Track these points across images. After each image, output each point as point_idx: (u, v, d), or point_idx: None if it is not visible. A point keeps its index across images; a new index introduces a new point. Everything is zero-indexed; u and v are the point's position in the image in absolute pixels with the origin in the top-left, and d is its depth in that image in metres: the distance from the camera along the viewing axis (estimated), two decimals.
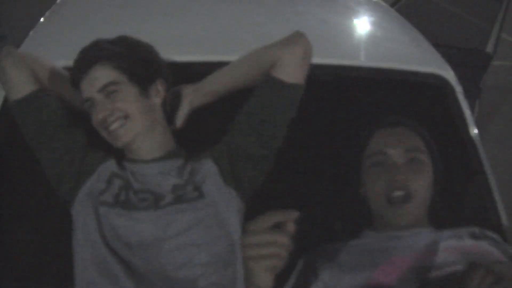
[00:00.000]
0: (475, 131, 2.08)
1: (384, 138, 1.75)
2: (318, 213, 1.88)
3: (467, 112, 2.08)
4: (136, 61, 1.71)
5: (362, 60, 2.16)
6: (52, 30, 2.34)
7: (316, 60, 1.99)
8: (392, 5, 4.00)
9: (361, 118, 1.92)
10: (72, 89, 1.75)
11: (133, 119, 1.67)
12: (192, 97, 1.83)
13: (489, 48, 3.97)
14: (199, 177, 1.69)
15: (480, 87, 3.94)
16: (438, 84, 2.09)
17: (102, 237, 1.61)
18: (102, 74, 1.67)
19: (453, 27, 4.13)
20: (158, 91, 1.75)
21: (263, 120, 1.72)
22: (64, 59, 1.83)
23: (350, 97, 2.10)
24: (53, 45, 2.14)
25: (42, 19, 2.45)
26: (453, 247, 1.63)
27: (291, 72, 1.70)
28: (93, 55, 1.69)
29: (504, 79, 6.21)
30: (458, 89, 2.11)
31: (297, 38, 1.73)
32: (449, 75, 2.12)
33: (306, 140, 2.01)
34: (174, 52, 1.93)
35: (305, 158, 2.00)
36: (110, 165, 1.73)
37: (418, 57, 2.25)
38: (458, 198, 2.01)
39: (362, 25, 2.56)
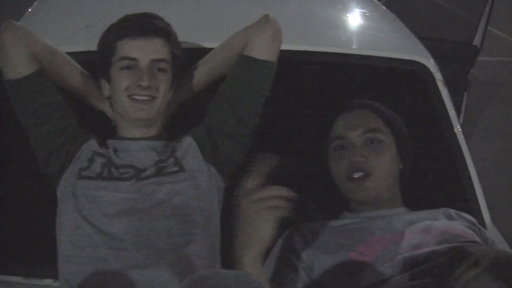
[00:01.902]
0: (455, 116, 2.11)
1: (343, 122, 1.81)
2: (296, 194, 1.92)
3: (446, 98, 2.12)
4: (181, 49, 1.81)
5: (344, 47, 2.20)
6: (41, 18, 2.37)
7: (301, 47, 2.09)
8: None
9: (341, 102, 1.96)
10: (70, 70, 1.82)
11: (157, 102, 1.74)
12: (174, 95, 1.86)
13: (476, 41, 3.99)
14: (180, 153, 1.76)
15: (468, 80, 3.97)
16: (418, 71, 2.13)
17: (82, 210, 1.66)
18: (161, 49, 1.74)
19: (441, 21, 4.16)
20: (173, 87, 1.81)
21: (238, 97, 1.80)
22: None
23: (331, 82, 2.14)
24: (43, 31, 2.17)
25: (30, 9, 2.48)
26: (428, 228, 1.66)
27: (262, 50, 1.79)
28: (157, 26, 1.75)
29: (494, 74, 6.25)
30: (438, 77, 2.14)
31: (265, 20, 1.81)
32: (429, 62, 2.16)
33: (287, 123, 2.06)
34: None
35: (286, 140, 2.04)
36: (92, 145, 1.78)
37: (399, 44, 2.29)
38: (436, 182, 2.04)
39: (345, 14, 2.60)
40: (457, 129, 2.08)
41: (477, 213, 1.95)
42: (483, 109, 5.45)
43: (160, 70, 1.74)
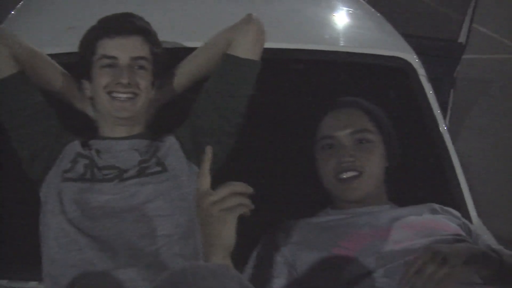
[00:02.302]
0: (439, 112, 2.11)
1: (332, 121, 1.80)
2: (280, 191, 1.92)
3: (430, 94, 2.12)
4: (161, 47, 1.82)
5: (326, 44, 2.20)
6: (25, 20, 2.36)
7: (284, 45, 2.10)
8: None
9: (323, 100, 1.96)
10: (51, 71, 1.82)
11: (140, 99, 1.74)
12: (158, 96, 1.87)
13: (462, 38, 4.00)
14: (162, 153, 1.76)
15: (455, 77, 3.97)
16: (400, 67, 2.13)
17: (65, 212, 1.65)
18: (141, 46, 1.75)
19: (425, 18, 4.17)
20: (155, 85, 1.82)
21: (222, 95, 1.80)
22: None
23: (314, 79, 2.15)
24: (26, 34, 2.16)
25: (13, 11, 2.47)
26: (412, 223, 1.67)
27: (245, 49, 1.80)
28: (136, 24, 1.77)
29: (481, 72, 6.27)
30: (421, 72, 2.15)
31: (248, 19, 1.82)
32: (412, 58, 2.16)
33: (271, 121, 2.07)
34: None
35: (270, 139, 2.05)
36: (75, 146, 1.77)
37: (381, 41, 2.30)
38: (422, 178, 2.05)
39: (328, 12, 2.60)
40: (442, 124, 2.09)
41: (462, 208, 1.96)
42: (471, 107, 5.47)
43: (140, 67, 1.75)
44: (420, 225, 1.66)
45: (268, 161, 2.01)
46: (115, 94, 1.73)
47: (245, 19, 1.82)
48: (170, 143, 1.79)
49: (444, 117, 3.88)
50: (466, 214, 1.94)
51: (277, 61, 2.04)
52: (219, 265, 1.22)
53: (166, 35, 1.93)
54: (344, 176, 1.72)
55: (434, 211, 1.76)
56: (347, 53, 2.14)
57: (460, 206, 1.95)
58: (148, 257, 1.61)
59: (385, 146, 1.82)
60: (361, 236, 1.63)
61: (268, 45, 1.87)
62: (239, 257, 1.64)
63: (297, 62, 2.17)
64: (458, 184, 2.00)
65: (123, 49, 1.74)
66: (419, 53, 3.12)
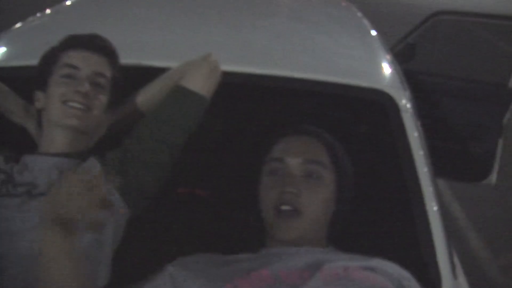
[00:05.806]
0: (420, 153, 1.80)
1: (285, 146, 1.62)
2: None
3: (411, 132, 1.83)
4: (121, 75, 1.80)
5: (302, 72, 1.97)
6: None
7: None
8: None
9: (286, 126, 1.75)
10: None
11: (92, 114, 1.71)
12: (108, 120, 1.81)
13: None
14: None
15: (502, 125, 3.61)
16: (378, 100, 1.87)
17: None
18: (104, 65, 1.75)
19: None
20: (108, 108, 1.77)
21: (162, 124, 1.73)
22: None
23: (287, 108, 2.03)
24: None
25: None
26: (333, 270, 1.41)
27: (195, 82, 1.76)
28: (103, 44, 1.78)
29: None
30: (404, 108, 1.87)
31: (206, 56, 1.81)
32: (395, 91, 1.89)
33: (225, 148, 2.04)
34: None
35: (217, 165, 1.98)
36: None
37: (363, 71, 2.04)
38: (388, 228, 1.76)
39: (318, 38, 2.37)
40: (421, 168, 1.78)
41: (431, 269, 1.64)
42: None
43: (99, 84, 1.73)
44: (340, 274, 1.39)
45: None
46: (70, 103, 1.69)
47: (203, 55, 1.81)
48: (90, 164, 1.68)
49: (491, 169, 3.54)
50: (436, 276, 1.63)
51: (248, 86, 1.95)
52: None
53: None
54: (283, 208, 1.52)
55: (374, 268, 1.46)
56: (318, 82, 1.90)
57: (428, 266, 1.64)
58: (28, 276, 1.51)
59: (337, 188, 1.59)
60: (263, 276, 1.41)
61: (243, 69, 1.87)
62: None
63: (271, 89, 1.97)
64: (431, 241, 1.68)
65: (86, 61, 1.73)
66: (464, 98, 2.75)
